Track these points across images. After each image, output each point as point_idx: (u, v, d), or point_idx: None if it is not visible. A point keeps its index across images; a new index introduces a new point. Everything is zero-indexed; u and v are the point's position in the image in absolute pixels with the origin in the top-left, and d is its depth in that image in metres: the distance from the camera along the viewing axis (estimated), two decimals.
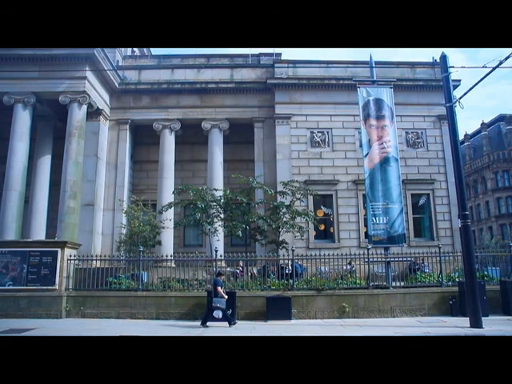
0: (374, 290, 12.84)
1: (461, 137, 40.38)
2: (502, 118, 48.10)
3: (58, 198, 17.33)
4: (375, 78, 15.09)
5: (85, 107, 17.85)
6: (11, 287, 12.54)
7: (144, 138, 21.56)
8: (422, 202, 19.54)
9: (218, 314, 10.67)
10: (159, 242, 16.37)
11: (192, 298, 12.57)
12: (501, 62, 9.93)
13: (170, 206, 15.26)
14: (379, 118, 14.36)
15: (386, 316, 12.29)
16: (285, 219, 15.00)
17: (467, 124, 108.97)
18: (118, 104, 20.42)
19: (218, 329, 10.34)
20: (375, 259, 13.61)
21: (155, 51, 31.68)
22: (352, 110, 17.95)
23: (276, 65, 20.43)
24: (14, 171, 17.03)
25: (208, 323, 10.84)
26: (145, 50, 27.78)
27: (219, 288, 10.93)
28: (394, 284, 13.17)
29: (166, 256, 14.08)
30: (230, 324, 10.79)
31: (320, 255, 13.62)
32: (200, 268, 13.74)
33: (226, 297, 11.01)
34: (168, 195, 17.65)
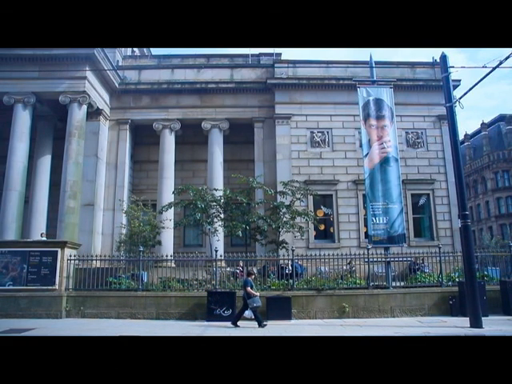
0: (374, 290, 12.84)
1: (461, 137, 40.37)
2: (502, 118, 48.10)
3: (58, 198, 17.33)
4: (375, 78, 15.07)
5: (85, 107, 17.85)
6: (11, 287, 12.54)
7: (144, 138, 21.55)
8: (421, 201, 19.54)
9: (250, 314, 10.75)
10: (159, 242, 16.37)
11: (192, 298, 12.56)
12: (501, 62, 9.92)
13: (170, 206, 15.25)
14: (379, 117, 14.35)
15: (385, 316, 12.29)
16: (285, 219, 14.99)
17: (467, 124, 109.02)
18: (118, 104, 20.42)
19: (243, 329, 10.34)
20: (375, 259, 13.60)
21: (155, 51, 31.68)
22: (352, 110, 17.94)
23: (276, 65, 20.43)
24: (14, 171, 17.03)
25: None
26: (145, 50, 27.76)
27: (249, 288, 10.90)
28: (394, 284, 13.17)
29: (166, 256, 14.08)
30: (233, 324, 10.76)
31: (320, 255, 13.62)
32: (200, 268, 13.73)
33: (258, 294, 11.03)
34: (168, 195, 17.65)
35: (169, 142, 20.12)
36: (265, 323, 10.63)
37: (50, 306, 12.38)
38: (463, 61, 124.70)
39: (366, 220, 16.72)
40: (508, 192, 44.24)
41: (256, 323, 10.64)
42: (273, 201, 15.85)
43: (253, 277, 11.71)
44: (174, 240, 19.22)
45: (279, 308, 11.87)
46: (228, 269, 14.34)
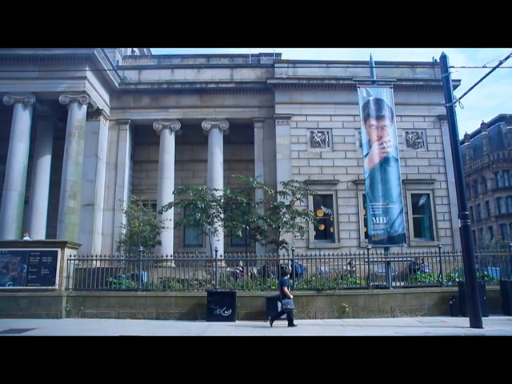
0: (374, 290, 12.83)
1: (461, 137, 40.30)
2: (502, 118, 48.10)
3: (58, 198, 17.33)
4: (375, 78, 15.06)
5: (85, 107, 17.85)
6: (11, 287, 12.52)
7: (144, 138, 21.56)
8: (421, 201, 19.53)
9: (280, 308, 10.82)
10: (159, 242, 16.36)
11: (192, 297, 12.56)
12: (501, 62, 9.92)
13: (169, 206, 15.25)
14: (379, 118, 14.34)
15: (385, 316, 12.28)
16: (285, 219, 14.99)
17: (467, 124, 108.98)
18: (118, 104, 20.42)
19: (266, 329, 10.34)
20: (375, 259, 13.59)
21: (155, 51, 31.70)
22: (352, 109, 17.94)
23: (276, 65, 20.43)
24: (14, 171, 17.03)
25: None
26: (145, 50, 27.77)
27: (285, 288, 10.87)
28: (394, 284, 13.16)
29: (166, 256, 14.07)
30: (290, 325, 10.65)
31: (320, 255, 13.60)
32: (200, 268, 13.73)
33: (292, 296, 10.99)
34: (168, 195, 17.65)
35: (169, 142, 20.12)
36: (271, 324, 10.66)
37: (50, 306, 12.37)
38: (463, 61, 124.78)
39: (366, 220, 16.71)
40: (508, 192, 44.23)
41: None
42: (273, 201, 15.85)
43: (288, 276, 11.69)
44: (174, 240, 19.22)
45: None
46: (228, 269, 14.34)
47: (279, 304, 10.91)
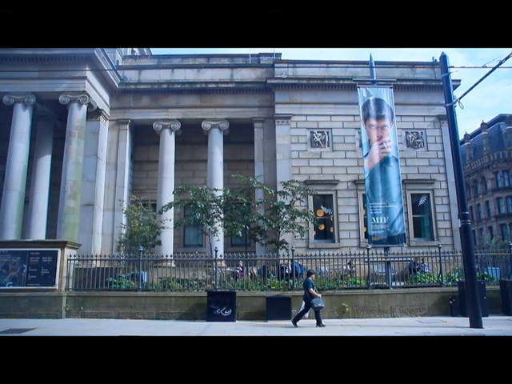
0: (374, 290, 12.84)
1: (461, 137, 40.20)
2: (501, 118, 48.07)
3: (58, 198, 17.32)
4: (375, 78, 15.07)
5: (85, 107, 17.84)
6: (11, 287, 12.54)
7: (144, 138, 21.56)
8: (421, 201, 19.53)
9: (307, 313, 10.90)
10: (159, 242, 16.37)
11: (192, 297, 12.57)
12: (501, 62, 9.92)
13: (169, 206, 15.26)
14: (379, 117, 14.35)
15: (385, 316, 12.29)
16: (285, 219, 15.00)
17: (467, 124, 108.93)
18: (117, 104, 20.42)
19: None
20: (375, 259, 13.60)
21: (155, 51, 31.69)
22: (352, 109, 17.94)
23: (276, 65, 20.42)
24: (14, 171, 17.02)
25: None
26: (145, 50, 27.77)
27: (311, 289, 10.92)
28: (394, 284, 13.17)
29: (166, 256, 14.08)
30: (293, 323, 10.81)
31: (320, 255, 13.62)
32: (200, 268, 13.74)
33: (320, 295, 11.05)
34: (168, 195, 17.65)
35: (169, 141, 20.12)
36: (323, 324, 10.61)
37: (50, 305, 12.38)
38: (463, 61, 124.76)
39: (366, 220, 16.71)
40: (508, 192, 44.22)
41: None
42: (273, 201, 15.85)
43: (313, 276, 11.71)
44: (174, 240, 19.21)
45: (279, 308, 11.86)
46: (228, 269, 14.34)
47: (303, 304, 11.00)
